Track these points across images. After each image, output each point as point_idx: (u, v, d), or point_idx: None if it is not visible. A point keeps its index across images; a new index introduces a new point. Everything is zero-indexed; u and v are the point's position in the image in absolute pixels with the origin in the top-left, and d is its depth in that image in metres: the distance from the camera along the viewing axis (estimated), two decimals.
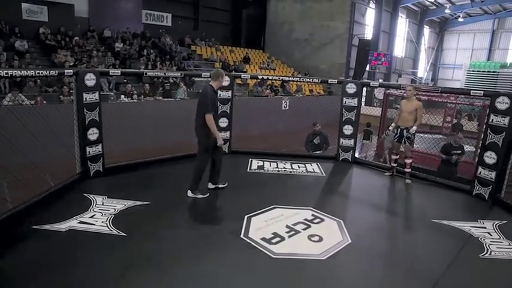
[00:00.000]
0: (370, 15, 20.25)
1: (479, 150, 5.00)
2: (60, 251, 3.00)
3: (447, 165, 6.23)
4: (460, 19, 25.96)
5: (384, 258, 3.27)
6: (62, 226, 3.33)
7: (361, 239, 3.46)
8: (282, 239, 3.37)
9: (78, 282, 2.64)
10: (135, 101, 9.77)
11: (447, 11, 24.58)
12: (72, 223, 3.40)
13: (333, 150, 6.47)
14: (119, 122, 5.95)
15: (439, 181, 5.30)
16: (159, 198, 4.11)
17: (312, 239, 3.41)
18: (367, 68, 18.89)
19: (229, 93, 6.02)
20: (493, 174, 4.56)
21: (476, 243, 3.50)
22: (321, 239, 3.40)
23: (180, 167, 5.23)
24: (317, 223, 3.74)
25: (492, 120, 4.54)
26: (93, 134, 4.61)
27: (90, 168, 4.65)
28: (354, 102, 5.93)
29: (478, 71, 23.14)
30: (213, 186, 4.53)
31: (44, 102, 8.20)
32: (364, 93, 6.35)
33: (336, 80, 6.64)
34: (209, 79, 4.65)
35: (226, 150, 5.90)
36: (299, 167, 5.70)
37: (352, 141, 6.05)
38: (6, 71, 3.79)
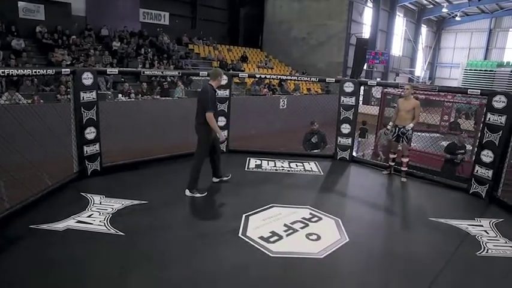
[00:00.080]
0: (367, 14, 20.27)
1: (476, 149, 5.02)
2: (57, 250, 2.98)
3: (451, 165, 6.26)
4: (457, 18, 26.05)
5: (382, 256, 3.28)
6: (60, 225, 3.32)
7: (359, 237, 3.47)
8: (280, 237, 3.38)
9: (76, 281, 2.63)
10: (132, 100, 9.75)
11: (444, 10, 24.65)
12: (70, 222, 3.39)
13: (330, 149, 6.48)
14: (117, 121, 5.93)
15: (436, 179, 5.32)
16: (156, 197, 4.10)
17: (310, 237, 3.42)
18: (365, 67, 18.93)
19: (227, 92, 6.02)
20: (490, 173, 4.59)
21: (473, 241, 3.52)
22: (318, 238, 3.41)
23: (178, 166, 5.22)
24: (315, 222, 3.74)
25: (489, 118, 4.56)
26: (90, 133, 4.60)
27: (87, 168, 4.63)
28: (351, 101, 5.94)
29: (475, 70, 23.26)
30: (218, 180, 4.73)
31: (41, 101, 8.17)
32: (361, 92, 6.36)
33: (334, 79, 6.64)
34: (207, 78, 4.66)
35: (224, 149, 5.90)
36: (297, 165, 5.71)
37: (350, 140, 6.05)
38: (3, 70, 3.77)
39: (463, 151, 6.29)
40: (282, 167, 5.62)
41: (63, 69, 4.74)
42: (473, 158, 5.09)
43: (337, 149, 6.14)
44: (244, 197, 4.38)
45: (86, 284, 2.62)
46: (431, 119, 9.02)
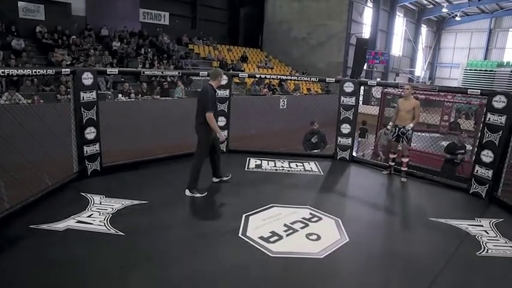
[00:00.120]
0: (367, 14, 20.27)
1: (476, 149, 5.02)
2: (57, 250, 2.98)
3: (451, 165, 6.26)
4: (457, 18, 26.05)
5: (382, 256, 3.28)
6: (60, 225, 3.32)
7: (359, 237, 3.47)
8: (280, 237, 3.38)
9: (76, 281, 2.63)
10: (132, 100, 9.75)
11: (444, 10, 24.65)
12: (70, 222, 3.39)
13: (330, 149, 6.48)
14: (117, 121, 5.94)
15: (436, 179, 5.32)
16: (156, 197, 4.10)
17: (310, 237, 3.42)
18: (365, 67, 18.93)
19: (227, 92, 6.02)
20: (489, 173, 4.59)
21: (473, 241, 3.52)
22: (318, 238, 3.41)
23: (178, 165, 5.22)
24: (315, 222, 3.74)
25: (489, 118, 4.56)
26: (90, 133, 4.60)
27: (87, 168, 4.63)
28: (351, 101, 5.94)
29: (475, 70, 23.26)
30: (218, 180, 4.75)
31: (41, 101, 8.17)
32: (361, 92, 6.36)
33: (334, 79, 6.64)
34: (207, 78, 4.66)
35: (224, 149, 5.90)
36: (297, 165, 5.71)
37: (350, 140, 6.05)
38: (3, 70, 3.77)
39: (463, 151, 6.29)
40: (282, 167, 5.62)
41: (63, 69, 4.74)
42: (473, 158, 5.09)
43: (337, 149, 6.14)
44: (244, 197, 4.38)
45: (86, 284, 2.62)
46: (431, 119, 9.02)
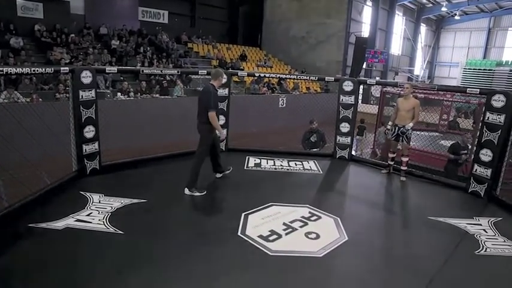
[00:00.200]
0: (367, 13, 20.27)
1: (475, 148, 5.03)
2: (56, 249, 2.98)
3: (455, 165, 6.27)
4: (456, 17, 26.08)
5: (381, 255, 3.28)
6: (59, 224, 3.32)
7: (358, 236, 3.48)
8: (279, 236, 3.38)
9: (75, 280, 2.63)
10: (131, 98, 9.74)
11: (444, 9, 24.68)
12: (69, 221, 3.39)
13: (329, 147, 6.48)
14: (116, 119, 5.93)
15: (435, 178, 5.33)
16: (156, 196, 4.10)
17: (309, 236, 3.42)
18: (364, 66, 18.95)
19: (226, 90, 6.01)
20: (488, 172, 4.59)
21: (472, 240, 3.53)
22: (317, 237, 3.41)
23: (177, 164, 5.22)
24: (314, 220, 3.75)
25: (488, 118, 4.56)
26: (89, 131, 4.59)
27: (86, 166, 4.63)
28: (350, 100, 5.94)
29: (474, 69, 23.30)
30: (221, 175, 4.86)
31: (40, 99, 8.15)
32: (361, 91, 6.36)
33: (333, 78, 6.64)
34: (206, 77, 4.67)
35: (223, 148, 5.90)
36: (296, 164, 5.71)
37: (349, 139, 6.06)
38: (2, 69, 3.77)
39: (466, 151, 6.30)
40: (281, 165, 5.63)
41: (62, 68, 4.73)
42: (472, 157, 5.10)
43: (336, 148, 6.14)
44: (244, 195, 4.38)
45: (85, 283, 2.62)
46: (430, 118, 9.02)
